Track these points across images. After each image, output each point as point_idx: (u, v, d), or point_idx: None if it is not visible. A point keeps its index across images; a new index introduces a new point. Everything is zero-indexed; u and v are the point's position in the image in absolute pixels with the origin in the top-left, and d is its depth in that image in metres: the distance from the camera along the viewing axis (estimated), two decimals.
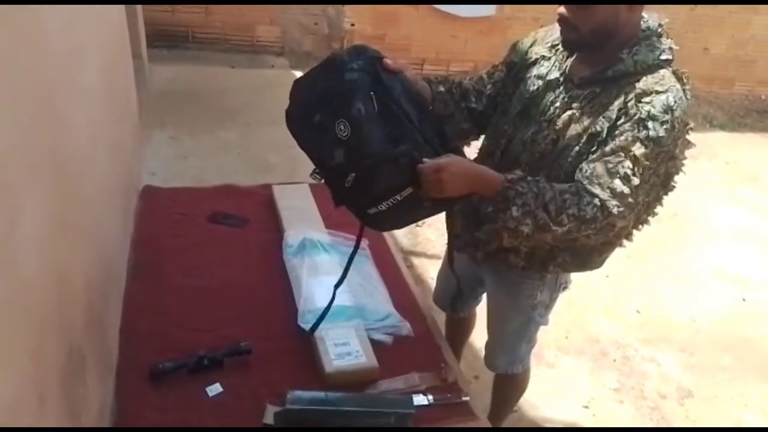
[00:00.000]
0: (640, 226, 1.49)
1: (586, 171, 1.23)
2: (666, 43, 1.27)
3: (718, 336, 2.64)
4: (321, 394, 1.47)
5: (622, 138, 1.20)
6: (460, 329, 2.05)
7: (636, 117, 1.18)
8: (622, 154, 1.20)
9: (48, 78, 1.13)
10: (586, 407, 2.20)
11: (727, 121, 5.15)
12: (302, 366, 1.60)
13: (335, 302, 1.76)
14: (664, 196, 1.38)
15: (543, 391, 2.23)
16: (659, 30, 1.28)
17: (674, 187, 1.36)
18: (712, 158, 4.41)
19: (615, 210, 1.20)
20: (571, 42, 1.31)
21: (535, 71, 1.41)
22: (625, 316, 2.70)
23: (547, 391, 2.23)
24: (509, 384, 1.89)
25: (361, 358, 1.59)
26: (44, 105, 1.10)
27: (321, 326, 1.67)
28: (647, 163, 1.20)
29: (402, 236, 1.81)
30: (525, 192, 1.23)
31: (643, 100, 1.19)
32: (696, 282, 2.99)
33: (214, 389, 1.51)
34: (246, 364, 1.58)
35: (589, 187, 1.22)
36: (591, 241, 1.30)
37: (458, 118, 1.49)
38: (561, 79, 1.36)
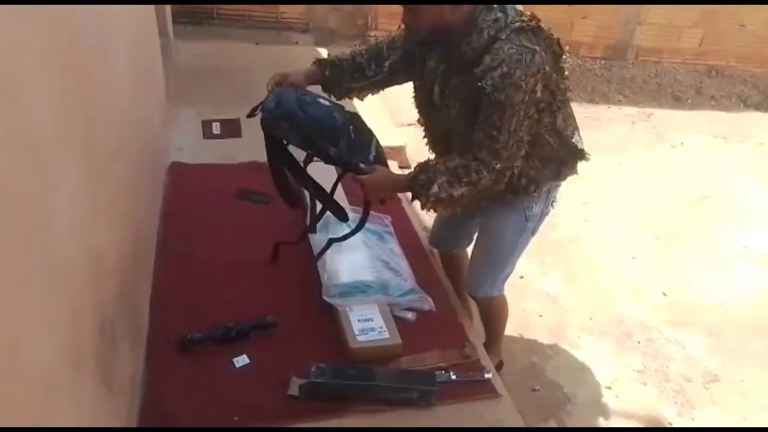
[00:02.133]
0: (574, 136, 1.64)
1: (473, 140, 1.50)
2: (507, 15, 1.43)
3: (747, 320, 2.59)
4: (345, 368, 1.50)
5: (485, 111, 1.45)
6: (453, 264, 2.10)
7: (487, 93, 1.42)
8: (489, 121, 1.45)
9: (80, 62, 1.15)
10: (609, 388, 2.19)
11: (762, 100, 4.99)
12: (326, 340, 1.63)
13: (359, 278, 1.78)
14: (558, 104, 1.53)
15: (566, 370, 2.23)
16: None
17: (564, 91, 1.54)
18: (746, 139, 4.29)
19: (495, 164, 1.47)
20: (416, 41, 1.58)
21: (426, 63, 1.61)
22: (651, 299, 2.67)
23: (569, 371, 2.23)
24: (492, 306, 1.96)
25: (385, 334, 1.61)
26: (77, 89, 1.12)
27: (345, 302, 1.69)
28: (509, 121, 1.43)
29: (425, 214, 1.82)
30: (425, 181, 1.51)
31: (486, 77, 1.41)
32: (726, 265, 2.94)
33: (241, 360, 1.55)
34: (271, 337, 1.62)
35: (475, 152, 1.49)
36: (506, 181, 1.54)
37: (357, 87, 1.78)
38: (439, 70, 1.57)
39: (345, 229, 2.00)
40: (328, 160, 1.59)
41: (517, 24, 1.41)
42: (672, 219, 3.29)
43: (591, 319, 2.51)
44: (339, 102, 1.74)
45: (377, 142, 1.73)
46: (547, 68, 1.42)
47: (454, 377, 1.55)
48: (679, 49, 5.30)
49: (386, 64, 1.72)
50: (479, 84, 1.42)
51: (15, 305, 0.74)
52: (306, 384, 1.45)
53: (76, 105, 1.09)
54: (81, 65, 1.15)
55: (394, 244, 1.97)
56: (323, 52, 3.97)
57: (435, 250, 2.12)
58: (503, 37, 1.40)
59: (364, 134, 1.70)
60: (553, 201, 1.77)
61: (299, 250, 1.92)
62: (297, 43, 4.52)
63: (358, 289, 1.77)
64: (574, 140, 1.65)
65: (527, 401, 2.06)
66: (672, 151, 4.11)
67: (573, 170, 1.72)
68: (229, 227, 2.05)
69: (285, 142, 1.66)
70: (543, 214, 1.77)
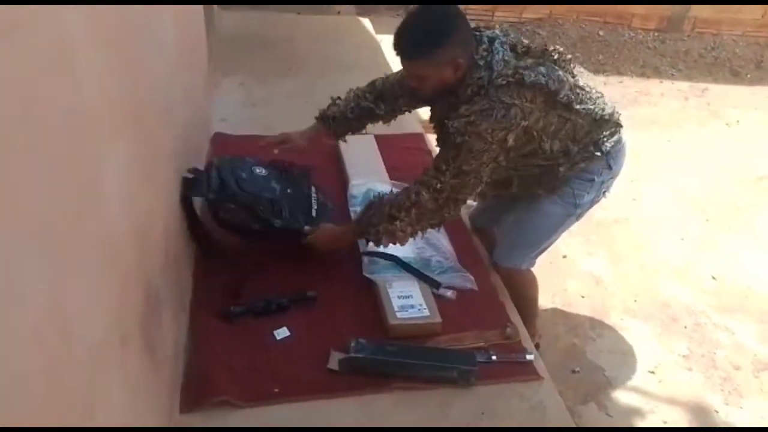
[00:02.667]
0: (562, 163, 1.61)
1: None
2: (492, 71, 1.45)
3: None
4: (384, 345, 1.49)
5: (443, 146, 1.55)
6: (489, 241, 2.03)
7: (450, 132, 1.48)
8: (441, 155, 1.54)
9: (128, 30, 1.13)
10: (652, 372, 2.12)
11: None
12: (365, 315, 1.62)
13: (400, 254, 1.75)
14: (543, 143, 1.55)
15: (607, 353, 2.17)
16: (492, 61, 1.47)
17: (567, 117, 1.54)
18: None
19: (435, 184, 1.50)
20: (425, 99, 1.66)
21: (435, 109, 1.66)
22: (699, 282, 2.56)
23: (611, 354, 2.17)
24: (518, 280, 1.88)
25: (424, 312, 1.59)
26: (125, 57, 1.11)
27: (385, 278, 1.68)
28: (463, 162, 1.47)
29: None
30: (370, 218, 1.58)
31: (453, 121, 1.47)
32: None
33: (282, 332, 1.55)
34: (311, 311, 1.62)
35: (419, 177, 1.56)
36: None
37: (365, 125, 1.88)
38: (443, 113, 1.58)
39: None
40: (274, 231, 1.64)
41: (499, 81, 1.44)
42: (724, 200, 3.13)
43: (635, 301, 2.44)
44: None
45: (315, 190, 1.84)
46: (528, 120, 1.45)
47: (494, 357, 1.52)
48: (740, 20, 4.98)
49: (399, 101, 1.77)
50: (449, 123, 1.48)
51: (66, 283, 0.74)
52: (346, 359, 1.45)
53: (123, 76, 1.08)
54: (128, 35, 1.14)
55: None
56: (365, 23, 3.89)
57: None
58: (482, 93, 1.46)
59: (303, 191, 1.81)
60: (605, 191, 1.72)
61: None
62: (339, 12, 4.44)
63: (399, 266, 1.75)
64: (597, 143, 1.62)
65: (566, 383, 2.02)
66: (727, 129, 3.91)
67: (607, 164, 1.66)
68: None
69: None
70: (593, 202, 1.73)
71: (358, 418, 1.38)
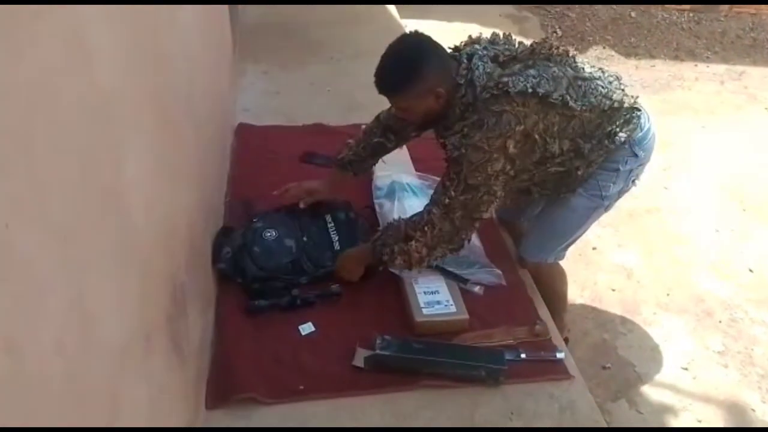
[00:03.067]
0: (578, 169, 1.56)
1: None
2: (474, 87, 1.44)
3: None
4: (410, 342, 1.46)
5: (447, 167, 1.52)
6: (515, 235, 2.00)
7: (448, 149, 1.50)
8: (446, 173, 1.51)
9: (148, 20, 1.11)
10: (686, 369, 2.06)
11: None
12: (391, 311, 1.60)
13: None
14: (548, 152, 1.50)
15: (639, 349, 2.11)
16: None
17: (570, 114, 1.48)
18: None
19: (444, 200, 1.49)
20: (416, 126, 1.66)
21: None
22: (735, 275, 2.47)
23: (643, 350, 2.10)
24: (545, 274, 1.83)
25: (451, 308, 1.56)
26: (147, 46, 1.09)
27: (411, 273, 1.64)
28: (468, 175, 1.44)
29: None
30: (384, 239, 1.56)
31: (448, 139, 1.49)
32: None
33: (307, 328, 1.54)
34: (337, 307, 1.60)
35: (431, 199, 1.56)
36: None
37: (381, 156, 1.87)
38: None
39: (410, 196, 1.94)
40: (304, 286, 1.64)
41: (484, 95, 1.43)
42: (761, 189, 3.01)
43: (668, 295, 2.36)
44: None
45: (331, 218, 1.81)
46: (523, 123, 1.42)
47: (523, 356, 1.48)
48: None
49: (407, 129, 1.74)
50: (447, 141, 1.48)
51: (88, 285, 0.73)
52: (371, 356, 1.42)
53: (144, 68, 1.06)
54: (147, 25, 1.11)
55: None
56: (390, 8, 3.82)
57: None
58: (471, 110, 1.45)
59: (319, 228, 1.78)
60: (634, 179, 1.64)
61: (364, 215, 1.87)
62: None
63: None
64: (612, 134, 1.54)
65: (597, 379, 1.97)
66: (765, 113, 3.74)
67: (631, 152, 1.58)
68: None
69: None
70: (622, 192, 1.65)
71: (383, 417, 1.36)
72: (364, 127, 1.85)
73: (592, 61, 4.30)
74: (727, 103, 3.81)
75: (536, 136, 1.45)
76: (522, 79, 1.42)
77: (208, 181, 1.71)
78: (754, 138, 3.44)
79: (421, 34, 1.49)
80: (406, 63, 1.45)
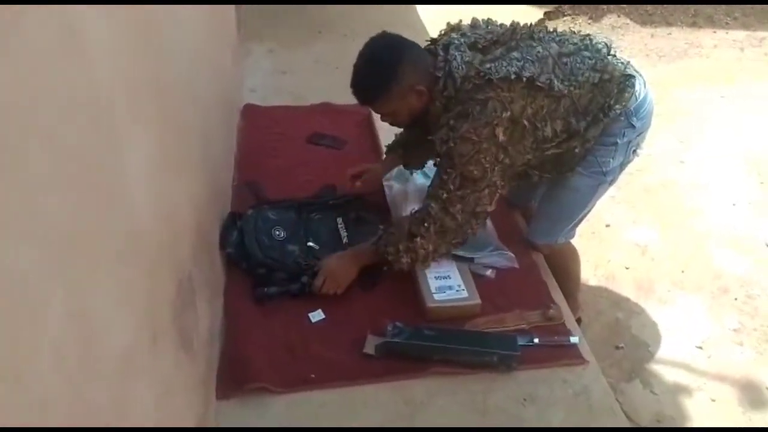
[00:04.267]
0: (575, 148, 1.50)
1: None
2: (454, 80, 1.40)
3: None
4: (422, 328, 1.44)
5: (439, 163, 1.49)
6: (527, 218, 1.95)
7: (437, 146, 1.45)
8: (440, 169, 1.48)
9: (148, 2, 1.06)
10: (700, 348, 2.03)
11: None
12: (401, 297, 1.57)
13: None
14: (546, 137, 1.45)
15: (653, 328, 2.07)
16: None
17: (558, 94, 1.42)
18: None
19: (442, 194, 1.44)
20: (404, 127, 1.63)
21: None
22: (752, 250, 2.41)
23: (657, 329, 2.07)
24: (556, 256, 1.80)
25: (463, 293, 1.53)
26: (145, 31, 1.04)
27: None
28: (461, 167, 1.40)
29: None
30: (388, 238, 1.52)
31: (436, 135, 1.45)
32: None
33: (317, 315, 1.52)
34: (346, 294, 1.57)
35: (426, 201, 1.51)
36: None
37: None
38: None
39: (420, 177, 1.90)
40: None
41: (466, 86, 1.39)
42: None
43: (683, 272, 2.31)
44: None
45: (342, 220, 1.76)
46: (510, 109, 1.37)
47: (536, 341, 1.46)
48: None
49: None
50: (436, 137, 1.44)
51: (88, 288, 0.70)
52: (382, 343, 1.41)
53: (141, 53, 1.01)
54: (148, 6, 1.06)
55: None
56: None
57: None
58: (454, 102, 1.41)
59: (330, 231, 1.74)
60: (635, 149, 1.56)
61: (373, 197, 1.84)
62: None
63: None
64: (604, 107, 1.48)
65: (610, 359, 1.95)
66: None
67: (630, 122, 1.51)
68: (302, 173, 1.99)
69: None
70: (624, 165, 1.58)
71: (395, 404, 1.34)
72: None
73: (606, 30, 4.17)
74: (747, 71, 3.68)
75: (525, 122, 1.40)
76: (505, 64, 1.37)
77: (214, 165, 1.68)
78: None
79: (390, 34, 1.44)
80: (378, 68, 1.41)
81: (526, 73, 1.37)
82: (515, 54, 1.39)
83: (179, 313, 1.09)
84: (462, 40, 1.43)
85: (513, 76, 1.36)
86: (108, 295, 0.77)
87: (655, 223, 2.54)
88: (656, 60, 3.72)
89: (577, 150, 1.49)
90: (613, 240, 2.44)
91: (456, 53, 1.40)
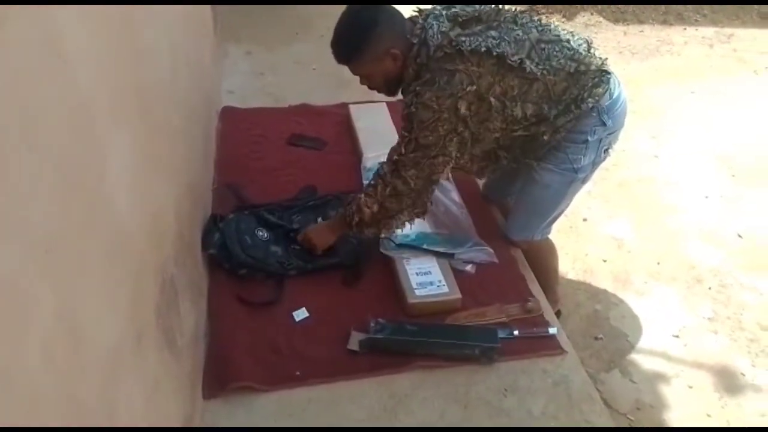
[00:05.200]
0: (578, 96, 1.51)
1: None
2: (428, 47, 1.43)
3: None
4: (404, 324, 1.47)
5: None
6: (505, 214, 1.98)
7: (402, 110, 1.50)
8: (399, 134, 1.52)
9: (127, 5, 1.07)
10: (677, 336, 2.09)
11: None
12: (384, 293, 1.61)
13: (418, 228, 1.72)
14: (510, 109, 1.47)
15: (630, 318, 2.13)
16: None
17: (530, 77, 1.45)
18: None
19: (393, 160, 1.49)
20: (383, 92, 1.61)
21: None
22: (725, 242, 2.49)
23: (634, 319, 2.13)
24: (534, 251, 1.84)
25: (444, 288, 1.57)
26: (125, 35, 1.05)
27: (403, 254, 1.65)
28: (418, 132, 1.44)
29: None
30: (352, 208, 1.55)
31: (405, 100, 1.50)
32: None
33: (301, 314, 1.54)
34: (329, 291, 1.60)
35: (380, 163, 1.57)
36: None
37: None
38: None
39: None
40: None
41: (438, 54, 1.42)
42: (752, 154, 3.01)
43: (658, 264, 2.38)
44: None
45: (323, 219, 1.78)
46: (476, 84, 1.40)
47: (516, 333, 1.50)
48: None
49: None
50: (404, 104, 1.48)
51: (74, 288, 0.72)
52: (366, 339, 1.44)
53: (121, 56, 1.02)
54: (127, 9, 1.08)
55: (454, 194, 1.88)
56: None
57: None
58: (425, 69, 1.44)
59: (310, 223, 1.76)
60: (606, 149, 1.60)
61: None
62: None
63: (417, 241, 1.71)
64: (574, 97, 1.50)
65: (589, 350, 1.99)
66: (755, 77, 3.73)
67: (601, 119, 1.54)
68: (283, 175, 2.01)
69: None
70: (595, 164, 1.62)
71: (380, 398, 1.37)
72: None
73: (580, 28, 4.25)
74: (716, 68, 3.78)
75: (492, 99, 1.43)
76: (480, 39, 1.40)
77: (194, 168, 1.69)
78: (744, 102, 3.43)
79: None
80: (355, 29, 1.45)
81: (497, 50, 1.40)
82: (493, 33, 1.42)
83: (163, 313, 1.11)
84: (443, 11, 1.47)
85: (483, 49, 1.39)
86: (94, 295, 0.78)
87: (631, 217, 2.61)
88: (629, 57, 3.81)
89: (546, 137, 1.52)
90: (590, 234, 2.50)
91: (434, 22, 1.43)
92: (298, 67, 2.78)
